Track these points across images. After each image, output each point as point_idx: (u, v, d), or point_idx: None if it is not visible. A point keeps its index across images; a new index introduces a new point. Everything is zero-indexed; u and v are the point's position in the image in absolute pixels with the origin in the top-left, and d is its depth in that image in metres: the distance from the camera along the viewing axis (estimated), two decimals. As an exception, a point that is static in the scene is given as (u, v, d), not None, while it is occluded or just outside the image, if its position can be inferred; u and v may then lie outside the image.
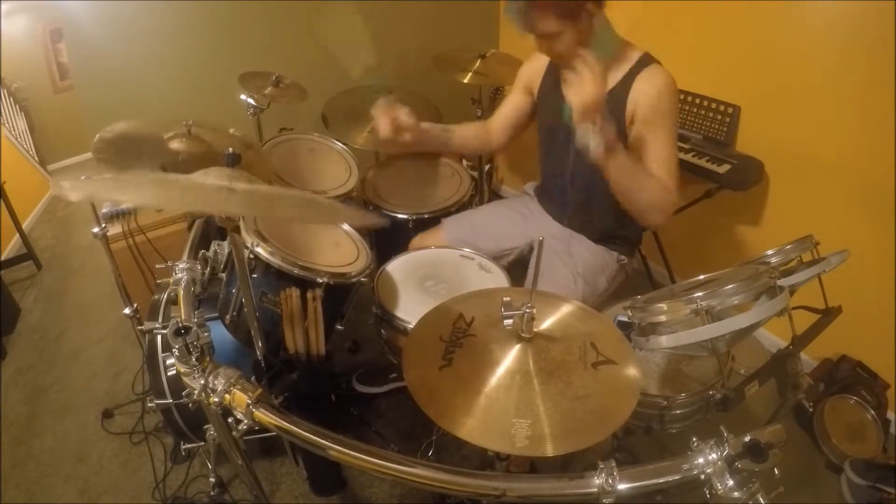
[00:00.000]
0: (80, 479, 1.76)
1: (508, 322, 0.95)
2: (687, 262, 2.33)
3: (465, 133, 1.73)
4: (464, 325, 1.04)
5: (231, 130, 1.69)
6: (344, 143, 2.09)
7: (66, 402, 2.06)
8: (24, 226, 3.06)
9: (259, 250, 1.34)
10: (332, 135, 2.10)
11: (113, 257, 1.71)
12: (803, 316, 1.31)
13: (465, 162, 2.35)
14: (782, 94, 1.91)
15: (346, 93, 2.20)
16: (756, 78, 1.96)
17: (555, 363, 0.94)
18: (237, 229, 1.12)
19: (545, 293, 1.13)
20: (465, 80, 2.27)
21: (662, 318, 1.06)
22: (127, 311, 1.80)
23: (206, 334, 0.94)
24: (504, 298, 0.96)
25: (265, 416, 0.89)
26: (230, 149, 1.04)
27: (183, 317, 1.02)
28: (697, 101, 2.11)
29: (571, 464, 1.46)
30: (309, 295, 1.33)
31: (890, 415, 1.82)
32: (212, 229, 1.73)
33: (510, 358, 0.94)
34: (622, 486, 0.74)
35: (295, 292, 1.32)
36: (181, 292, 1.22)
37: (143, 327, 1.44)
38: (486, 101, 2.55)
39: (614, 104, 1.40)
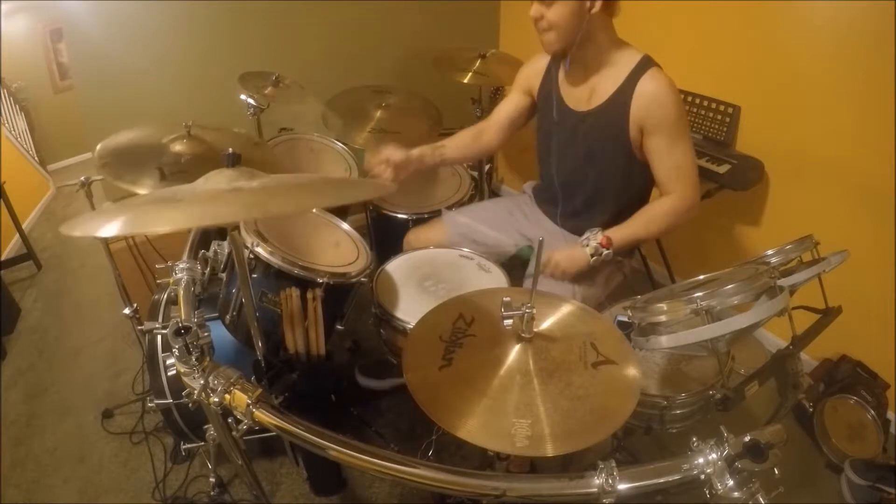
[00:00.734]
0: (80, 479, 1.76)
1: (508, 322, 0.95)
2: (687, 262, 2.33)
3: (459, 145, 1.72)
4: (464, 325, 1.04)
5: (235, 130, 1.70)
6: (344, 143, 2.09)
7: (66, 402, 2.06)
8: (24, 226, 3.06)
9: (259, 250, 1.34)
10: (332, 135, 2.10)
11: (113, 257, 1.72)
12: (803, 316, 1.31)
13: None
14: (782, 94, 1.91)
15: (346, 93, 2.20)
16: (756, 78, 1.96)
17: (555, 363, 0.94)
18: (237, 229, 1.12)
19: (545, 293, 1.13)
20: (465, 80, 2.27)
21: (662, 318, 1.06)
22: (127, 311, 1.80)
23: (206, 334, 0.94)
24: (504, 298, 0.95)
25: (265, 416, 0.89)
26: (230, 149, 1.04)
27: (183, 317, 1.02)
28: (697, 101, 2.11)
29: (571, 464, 1.46)
30: (309, 295, 1.33)
31: (890, 415, 1.82)
32: (212, 229, 1.73)
33: (510, 358, 0.95)
34: (622, 486, 0.74)
35: (295, 292, 1.31)
36: (181, 292, 1.22)
37: (143, 327, 1.44)
38: (486, 101, 2.55)
39: (616, 109, 1.40)
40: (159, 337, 1.52)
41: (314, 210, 1.65)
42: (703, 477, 0.73)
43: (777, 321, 1.08)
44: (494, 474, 0.88)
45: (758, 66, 1.95)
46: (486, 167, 2.37)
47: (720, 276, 1.16)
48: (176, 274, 1.32)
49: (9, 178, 2.85)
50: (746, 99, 2.00)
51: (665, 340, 1.03)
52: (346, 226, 1.67)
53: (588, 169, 1.53)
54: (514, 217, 1.74)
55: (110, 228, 0.76)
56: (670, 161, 1.38)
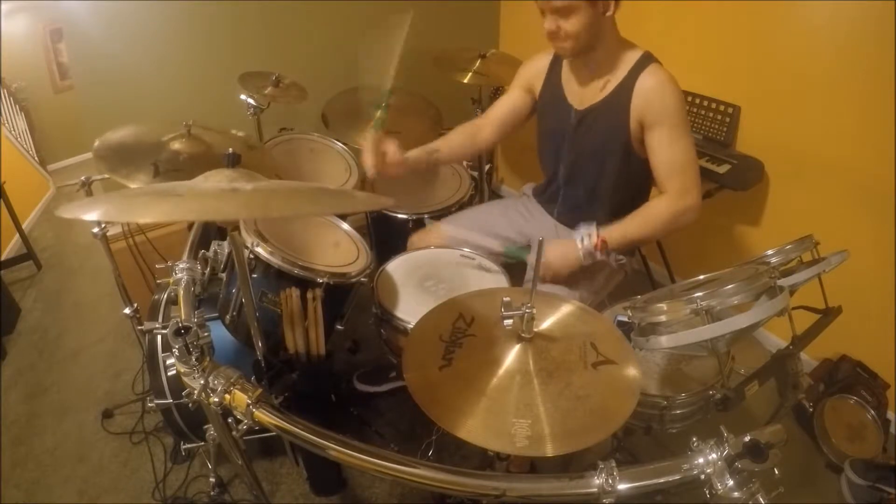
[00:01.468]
0: (80, 479, 1.76)
1: (508, 322, 0.95)
2: (687, 262, 2.33)
3: (453, 145, 1.69)
4: (464, 325, 1.04)
5: (233, 132, 1.70)
6: (344, 143, 2.09)
7: (66, 402, 2.06)
8: (24, 226, 3.06)
9: (259, 250, 1.34)
10: (332, 135, 2.10)
11: (113, 257, 1.71)
12: (803, 316, 1.31)
13: (465, 162, 2.35)
14: (782, 94, 1.91)
15: (346, 93, 2.20)
16: (756, 78, 1.96)
17: (555, 363, 0.94)
18: (237, 229, 1.12)
19: (545, 293, 1.13)
20: (465, 80, 2.27)
21: (662, 318, 1.06)
22: (127, 311, 1.80)
23: (206, 334, 0.94)
24: (504, 298, 0.95)
25: (265, 416, 0.89)
26: (230, 149, 1.04)
27: (183, 317, 1.02)
28: (697, 101, 2.11)
29: (571, 464, 1.46)
30: (309, 295, 1.33)
31: (890, 415, 1.82)
32: (212, 229, 1.73)
33: (510, 358, 0.95)
34: (622, 486, 0.74)
35: (295, 292, 1.31)
36: (181, 292, 1.22)
37: (143, 327, 1.44)
38: (486, 101, 2.55)
39: (616, 105, 1.40)
40: (159, 337, 1.52)
41: (314, 210, 1.65)
42: (703, 477, 0.73)
43: (777, 321, 1.08)
44: (494, 474, 0.88)
45: (758, 66, 1.95)
46: (487, 167, 2.37)
47: (720, 276, 1.16)
48: (176, 274, 1.32)
49: (9, 178, 2.85)
50: (746, 99, 2.00)
51: (665, 340, 1.03)
52: (346, 226, 1.67)
53: (589, 165, 1.53)
54: (510, 218, 1.74)
55: (105, 213, 0.76)
56: (670, 156, 1.37)
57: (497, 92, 2.66)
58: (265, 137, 2.08)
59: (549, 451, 0.80)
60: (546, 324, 1.03)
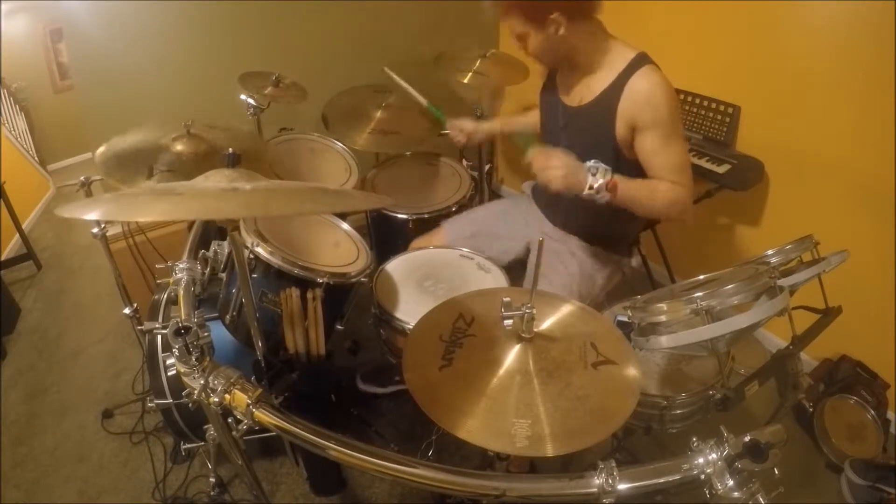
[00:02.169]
0: (80, 479, 1.76)
1: (508, 322, 0.95)
2: (687, 262, 2.33)
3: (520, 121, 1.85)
4: (464, 325, 1.04)
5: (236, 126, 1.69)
6: (344, 143, 2.09)
7: (66, 402, 2.06)
8: (24, 226, 3.06)
9: (259, 250, 1.34)
10: (332, 135, 2.10)
11: (113, 257, 1.71)
12: (803, 316, 1.31)
13: (465, 162, 2.35)
14: (782, 94, 1.91)
15: (346, 93, 2.20)
16: (756, 78, 1.96)
17: (555, 363, 0.94)
18: (237, 229, 1.12)
19: (545, 293, 1.13)
20: (465, 81, 2.27)
21: (662, 318, 1.06)
22: (127, 311, 1.80)
23: (206, 334, 0.94)
24: (504, 298, 0.95)
25: (265, 416, 0.89)
26: (230, 149, 1.04)
27: (183, 317, 1.02)
28: (697, 101, 2.11)
29: (571, 464, 1.46)
30: (309, 295, 1.33)
31: (890, 415, 1.82)
32: (212, 229, 1.73)
33: (510, 358, 0.95)
34: (622, 486, 0.74)
35: (295, 292, 1.31)
36: (181, 292, 1.22)
37: (143, 327, 1.44)
38: (487, 100, 2.55)
39: (604, 107, 1.40)
40: (159, 337, 1.52)
41: (314, 210, 1.65)
42: (703, 477, 0.73)
43: (777, 321, 1.08)
44: (494, 474, 0.88)
45: (758, 66, 1.95)
46: (487, 167, 2.37)
47: (720, 276, 1.16)
48: (176, 274, 1.32)
49: (9, 178, 2.85)
50: (746, 99, 2.00)
51: (665, 340, 1.03)
52: (346, 226, 1.67)
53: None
54: (513, 222, 1.74)
55: (105, 213, 0.76)
56: (663, 160, 1.36)
57: (497, 92, 2.66)
58: (265, 137, 2.08)
59: (549, 451, 0.80)
60: (546, 324, 1.03)
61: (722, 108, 2.05)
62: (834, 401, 1.77)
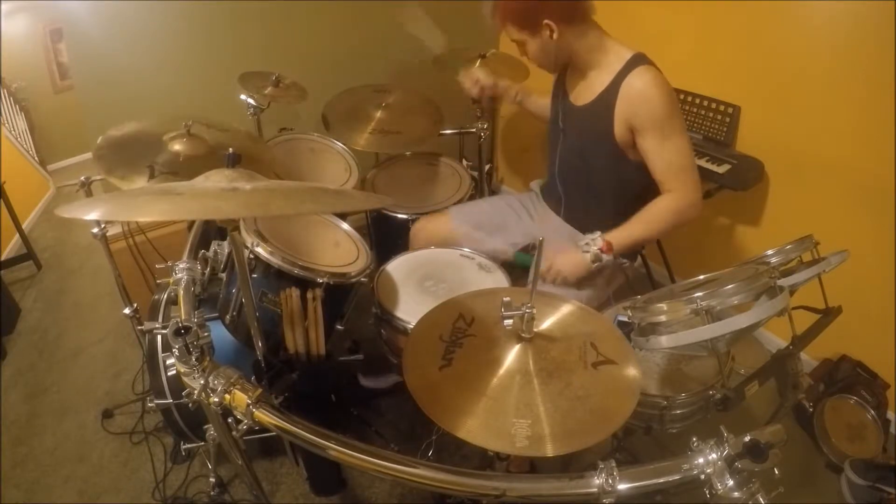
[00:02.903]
0: (80, 479, 1.76)
1: (508, 322, 0.95)
2: (687, 262, 2.33)
3: (540, 103, 1.81)
4: (464, 325, 1.04)
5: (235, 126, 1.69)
6: (344, 143, 2.09)
7: (66, 402, 2.06)
8: (24, 226, 3.06)
9: (259, 250, 1.34)
10: (332, 135, 2.10)
11: (113, 257, 1.71)
12: (803, 316, 1.31)
13: (465, 162, 2.35)
14: (782, 94, 1.91)
15: (346, 93, 2.19)
16: (756, 78, 1.96)
17: (555, 363, 0.94)
18: (237, 229, 1.12)
19: (545, 293, 1.13)
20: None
21: (662, 318, 1.06)
22: (127, 311, 1.80)
23: (206, 334, 0.94)
24: (504, 298, 0.95)
25: (265, 416, 0.89)
26: (230, 149, 1.04)
27: (183, 317, 1.02)
28: (697, 101, 2.11)
29: (571, 464, 1.46)
30: (309, 295, 1.33)
31: (890, 415, 1.82)
32: (212, 229, 1.73)
33: (510, 358, 0.95)
34: (622, 486, 0.74)
35: (295, 292, 1.31)
36: (181, 292, 1.22)
37: (143, 327, 1.44)
38: (487, 101, 2.54)
39: (601, 107, 1.40)
40: (159, 337, 1.52)
41: (314, 210, 1.65)
42: (703, 477, 0.73)
43: (777, 321, 1.08)
44: (494, 474, 0.88)
45: (758, 66, 1.95)
46: (487, 167, 2.37)
47: (720, 276, 1.16)
48: (176, 274, 1.32)
49: (9, 178, 2.85)
50: (746, 99, 2.00)
51: (665, 340, 1.03)
52: (346, 225, 1.67)
53: (581, 166, 1.55)
54: (519, 216, 1.74)
55: (105, 213, 0.76)
56: (664, 159, 1.37)
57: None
58: (265, 137, 2.08)
59: (549, 451, 0.80)
60: (546, 324, 1.03)
61: (722, 108, 2.05)
62: (834, 401, 1.77)
